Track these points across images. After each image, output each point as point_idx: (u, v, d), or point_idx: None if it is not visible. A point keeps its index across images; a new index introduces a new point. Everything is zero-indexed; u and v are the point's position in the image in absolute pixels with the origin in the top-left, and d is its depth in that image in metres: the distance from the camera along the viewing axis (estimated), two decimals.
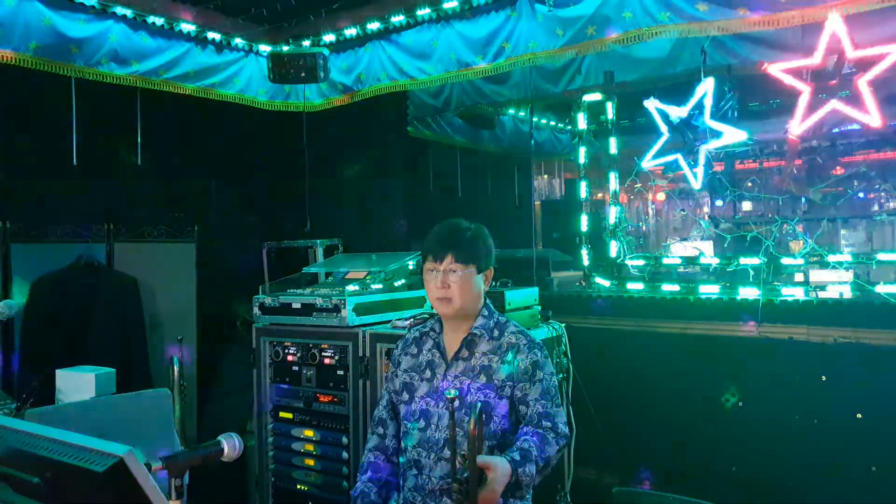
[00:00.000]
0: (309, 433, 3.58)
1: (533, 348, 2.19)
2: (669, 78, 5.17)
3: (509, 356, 2.17)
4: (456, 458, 1.69)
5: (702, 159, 4.82)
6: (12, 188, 4.33)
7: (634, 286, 4.68)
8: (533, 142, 7.41)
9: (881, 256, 4.19)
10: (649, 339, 4.33)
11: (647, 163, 5.07)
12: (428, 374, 2.27)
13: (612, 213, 5.20)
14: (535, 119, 7.44)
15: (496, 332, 2.23)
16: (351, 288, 3.59)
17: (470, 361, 2.20)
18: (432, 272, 2.19)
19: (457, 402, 1.94)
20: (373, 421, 2.42)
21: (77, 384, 2.81)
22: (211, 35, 4.95)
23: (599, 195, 6.49)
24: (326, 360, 3.53)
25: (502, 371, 2.16)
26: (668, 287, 4.50)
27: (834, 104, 4.13)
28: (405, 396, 2.29)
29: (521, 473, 1.91)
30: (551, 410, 2.12)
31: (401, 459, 2.30)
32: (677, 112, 4.85)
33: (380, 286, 3.73)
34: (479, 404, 1.83)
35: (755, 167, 7.30)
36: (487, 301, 2.31)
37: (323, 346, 3.55)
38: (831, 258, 4.16)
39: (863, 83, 3.96)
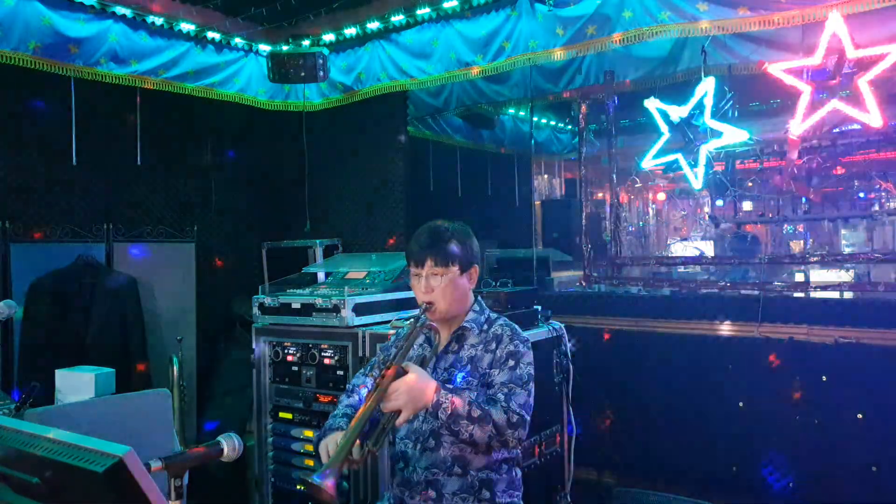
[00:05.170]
0: (309, 433, 3.58)
1: (514, 340, 2.20)
2: (670, 77, 5.17)
3: (493, 346, 2.20)
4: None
5: (702, 159, 4.81)
6: (12, 188, 4.32)
7: (635, 286, 4.68)
8: (533, 142, 7.41)
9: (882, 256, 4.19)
10: (649, 339, 4.33)
11: (648, 162, 5.06)
12: None
13: (613, 213, 5.19)
14: (535, 119, 7.44)
15: (486, 326, 2.27)
16: (351, 288, 3.59)
17: (459, 353, 2.24)
18: (416, 276, 2.24)
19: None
20: (349, 385, 2.39)
21: (76, 384, 2.81)
22: (210, 35, 4.94)
23: (599, 195, 6.48)
24: (326, 360, 3.53)
25: (485, 360, 2.19)
26: (668, 287, 4.49)
27: (834, 104, 4.12)
28: None
29: (443, 397, 1.92)
30: (512, 390, 2.10)
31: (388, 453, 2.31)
32: (678, 112, 4.85)
33: (379, 286, 3.73)
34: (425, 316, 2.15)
35: (756, 167, 7.28)
36: (478, 297, 2.34)
37: (323, 346, 3.55)
38: (832, 258, 4.16)
39: (863, 83, 3.95)
